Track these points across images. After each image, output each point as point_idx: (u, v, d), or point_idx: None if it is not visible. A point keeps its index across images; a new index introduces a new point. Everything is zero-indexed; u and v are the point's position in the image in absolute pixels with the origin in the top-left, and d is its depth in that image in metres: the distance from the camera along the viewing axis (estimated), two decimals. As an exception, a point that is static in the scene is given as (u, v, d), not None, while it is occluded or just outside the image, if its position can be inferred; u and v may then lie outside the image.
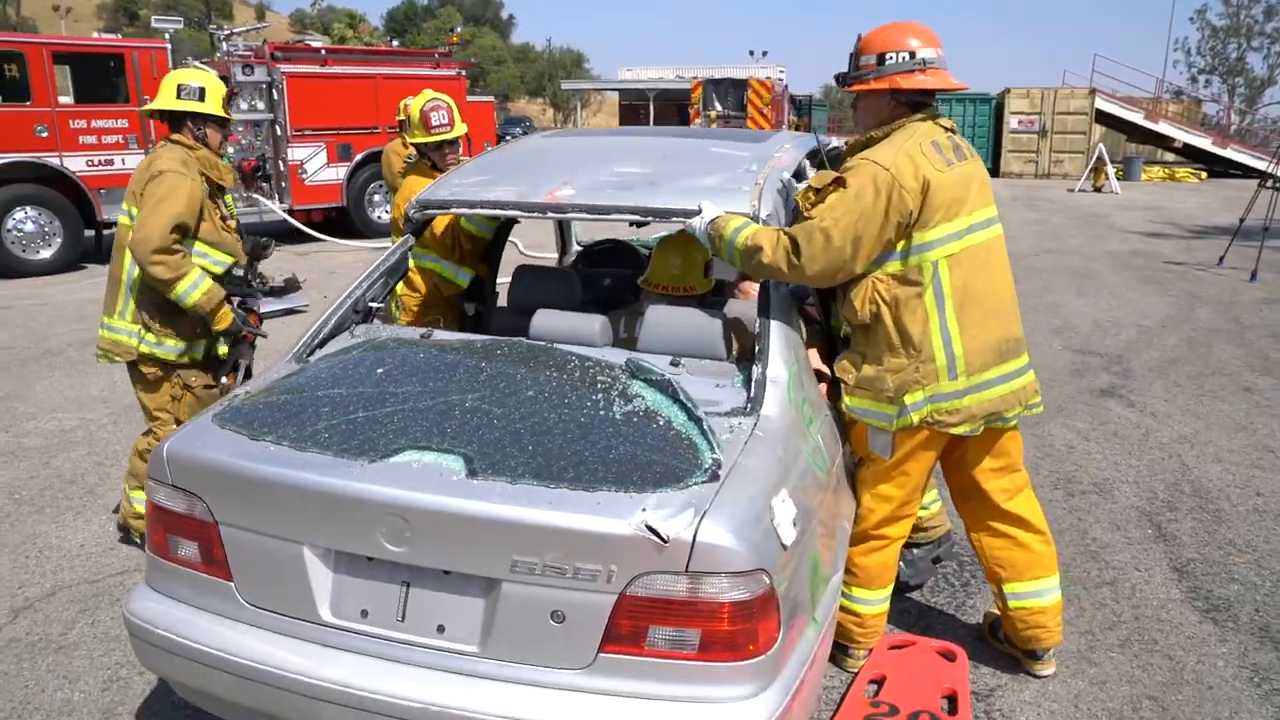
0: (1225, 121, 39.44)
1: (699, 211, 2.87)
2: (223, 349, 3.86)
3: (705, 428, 2.32)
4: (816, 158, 3.49)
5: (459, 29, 16.52)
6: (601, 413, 2.38)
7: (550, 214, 3.15)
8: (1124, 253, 12.99)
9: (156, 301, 3.68)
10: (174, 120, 3.79)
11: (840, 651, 3.09)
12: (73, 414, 5.81)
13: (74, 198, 11.20)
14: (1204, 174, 29.63)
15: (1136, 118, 29.52)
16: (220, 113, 3.83)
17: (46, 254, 11.07)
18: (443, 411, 2.39)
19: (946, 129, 2.86)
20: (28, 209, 10.89)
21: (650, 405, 2.42)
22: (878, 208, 2.66)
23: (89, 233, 11.50)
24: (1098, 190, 23.93)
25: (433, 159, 4.63)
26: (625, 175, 3.20)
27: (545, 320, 3.01)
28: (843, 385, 2.91)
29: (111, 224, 11.60)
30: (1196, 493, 4.64)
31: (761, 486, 2.22)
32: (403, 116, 7.30)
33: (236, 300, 3.86)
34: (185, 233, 3.63)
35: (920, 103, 2.86)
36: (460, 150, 4.70)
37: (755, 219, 2.86)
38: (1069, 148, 28.63)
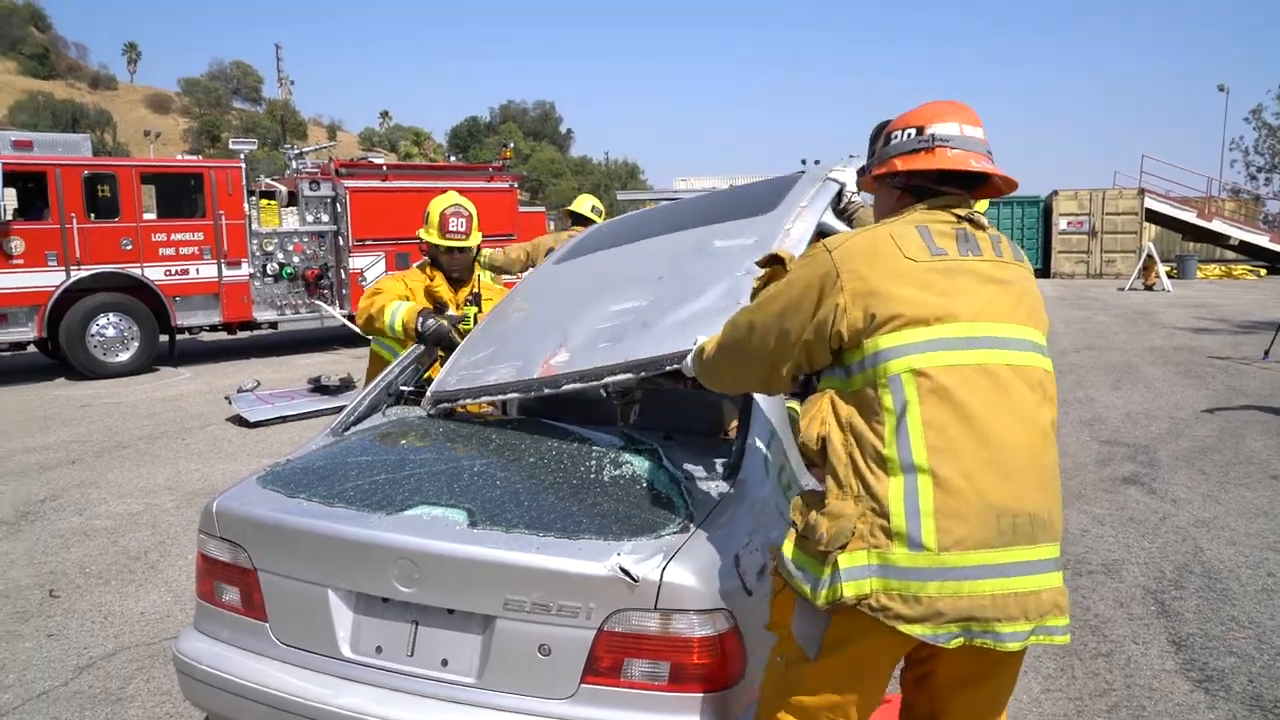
0: (1286, 218, 39.10)
1: (695, 345, 2.57)
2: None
3: (683, 489, 2.61)
4: (841, 203, 3.55)
5: (511, 145, 17.48)
6: (592, 476, 2.69)
7: (546, 389, 3.02)
8: (1166, 348, 13.01)
9: None
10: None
11: None
12: (140, 500, 6.27)
13: (151, 305, 12.04)
14: (1263, 271, 29.40)
15: (1189, 216, 29.58)
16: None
17: (124, 357, 11.84)
18: (453, 474, 2.72)
19: (961, 217, 2.13)
20: (110, 315, 11.73)
21: (636, 470, 2.72)
22: (807, 297, 2.08)
23: (163, 337, 12.28)
24: (1149, 289, 23.91)
25: (441, 261, 4.57)
26: (619, 316, 3.13)
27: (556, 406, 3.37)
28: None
29: (184, 330, 12.42)
30: (1206, 573, 4.73)
31: (730, 538, 2.48)
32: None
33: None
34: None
35: (928, 189, 2.17)
36: (471, 258, 4.63)
37: None
38: (1120, 247, 28.73)
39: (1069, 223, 29.19)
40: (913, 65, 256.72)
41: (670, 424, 3.16)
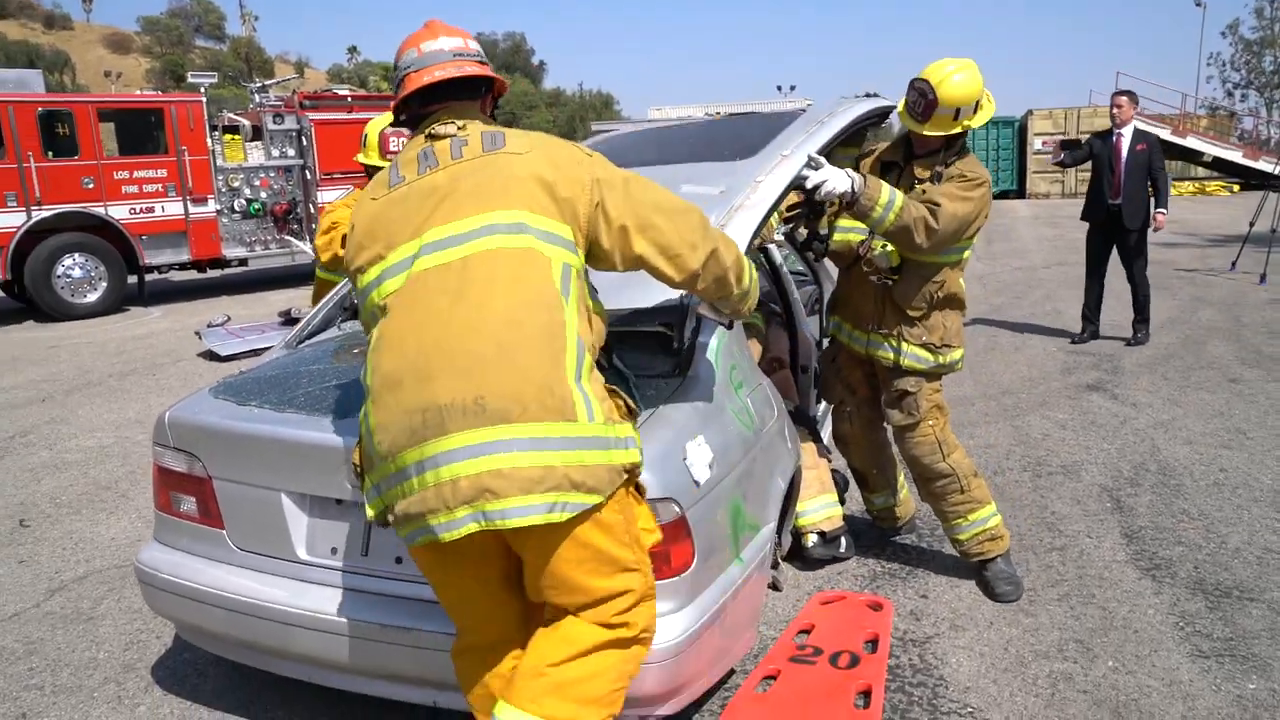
0: (1262, 134, 39.08)
1: None
2: None
3: (631, 384, 2.63)
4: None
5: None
6: (543, 375, 2.70)
7: None
8: (1137, 263, 13.06)
9: None
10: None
11: None
12: (111, 433, 6.26)
13: (118, 244, 11.86)
14: (1236, 187, 29.46)
15: (1163, 133, 29.45)
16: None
17: (93, 298, 11.71)
18: (404, 378, 2.73)
19: (428, 135, 2.20)
20: (76, 256, 11.56)
21: (587, 369, 2.74)
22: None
23: (132, 277, 12.14)
24: (1123, 206, 23.93)
25: None
26: None
27: None
28: None
29: (152, 269, 12.28)
30: (1161, 470, 4.83)
31: (677, 431, 2.52)
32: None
33: None
34: None
35: (421, 116, 2.26)
36: None
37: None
38: (1095, 166, 28.66)
39: (1044, 143, 29.00)
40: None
41: (620, 321, 3.16)
